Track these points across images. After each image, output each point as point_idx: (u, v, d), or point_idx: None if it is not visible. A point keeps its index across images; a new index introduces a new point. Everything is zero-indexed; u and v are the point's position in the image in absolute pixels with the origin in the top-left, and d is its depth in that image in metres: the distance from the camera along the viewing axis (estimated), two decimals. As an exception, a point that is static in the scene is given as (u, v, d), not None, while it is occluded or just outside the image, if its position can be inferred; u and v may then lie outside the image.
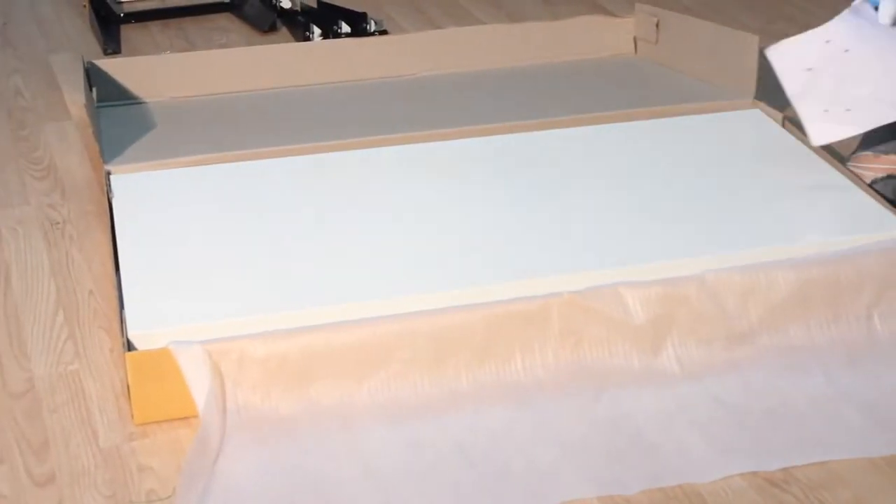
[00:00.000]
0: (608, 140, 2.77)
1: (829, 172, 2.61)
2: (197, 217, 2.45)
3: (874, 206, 2.47)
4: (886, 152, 2.58)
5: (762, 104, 2.86)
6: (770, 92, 2.90)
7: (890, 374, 2.15)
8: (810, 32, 2.56)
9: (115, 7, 3.71)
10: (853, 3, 2.58)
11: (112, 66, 3.04)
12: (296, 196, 2.52)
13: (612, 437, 2.01)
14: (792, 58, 2.57)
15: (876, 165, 2.58)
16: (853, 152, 2.66)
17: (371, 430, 2.03)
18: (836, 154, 2.71)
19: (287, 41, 3.51)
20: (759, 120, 2.86)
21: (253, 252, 2.34)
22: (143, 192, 2.52)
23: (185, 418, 2.05)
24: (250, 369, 2.05)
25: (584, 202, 2.50)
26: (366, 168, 2.62)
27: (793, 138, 2.76)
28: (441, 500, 1.88)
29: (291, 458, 1.98)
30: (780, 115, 2.82)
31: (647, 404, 2.08)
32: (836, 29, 2.53)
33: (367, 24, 3.52)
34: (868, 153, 2.62)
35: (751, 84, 2.87)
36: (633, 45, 3.25)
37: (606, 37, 3.25)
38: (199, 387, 2.02)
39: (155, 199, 2.50)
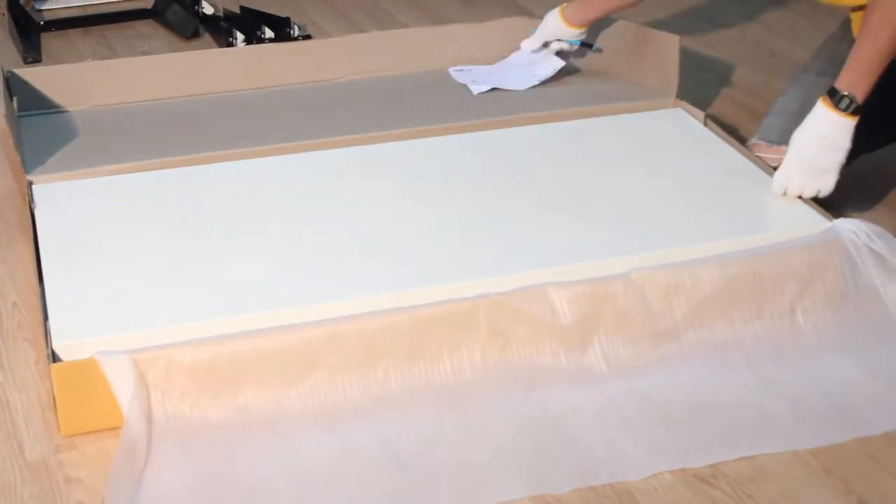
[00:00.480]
0: (533, 141, 2.78)
1: (750, 169, 2.64)
2: (121, 226, 2.43)
3: (795, 202, 2.50)
4: (779, 143, 2.63)
5: (684, 103, 2.88)
6: (692, 91, 2.94)
7: (814, 368, 2.18)
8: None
9: (34, 15, 3.69)
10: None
11: (32, 74, 3.01)
12: (219, 204, 2.51)
13: (543, 437, 2.02)
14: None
15: (768, 155, 2.64)
16: (747, 142, 2.75)
17: (301, 434, 2.03)
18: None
19: (210, 47, 3.50)
20: (681, 118, 2.88)
21: (178, 260, 2.33)
22: (65, 201, 2.50)
23: (114, 428, 2.03)
24: (178, 377, 2.04)
25: (510, 204, 2.51)
26: (290, 175, 2.62)
27: (714, 136, 2.79)
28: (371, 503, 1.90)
29: (221, 466, 1.97)
30: (701, 114, 2.84)
31: (576, 403, 2.09)
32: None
33: (290, 28, 3.53)
34: (762, 143, 2.70)
35: (673, 84, 2.89)
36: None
37: (527, 37, 3.26)
38: (126, 396, 2.01)
39: (78, 209, 2.48)
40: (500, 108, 2.94)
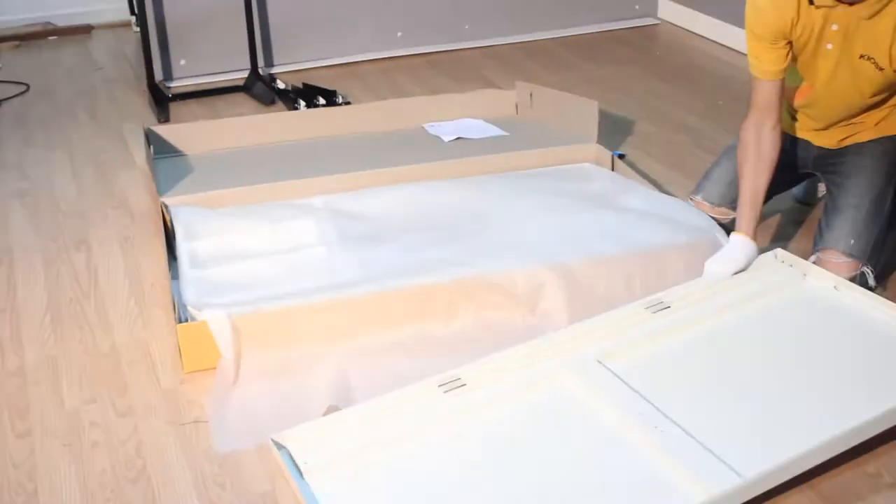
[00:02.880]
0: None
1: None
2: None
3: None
4: (719, 205, 2.43)
5: (599, 145, 2.88)
6: (605, 137, 2.95)
7: None
8: None
9: (165, 90, 3.70)
10: None
11: (164, 130, 3.03)
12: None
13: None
14: None
15: (713, 215, 2.42)
16: (690, 193, 2.51)
17: (346, 361, 2.05)
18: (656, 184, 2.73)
19: (282, 111, 3.51)
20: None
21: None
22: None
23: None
24: (260, 332, 2.06)
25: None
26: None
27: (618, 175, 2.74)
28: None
29: (284, 383, 2.00)
30: (609, 154, 2.83)
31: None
32: None
33: (336, 98, 3.53)
34: (705, 203, 2.45)
35: (593, 132, 2.90)
36: (514, 109, 3.27)
37: (497, 103, 3.27)
38: (225, 342, 2.03)
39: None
40: (473, 150, 2.93)
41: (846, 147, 2.35)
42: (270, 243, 2.38)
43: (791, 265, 2.19)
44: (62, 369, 2.10)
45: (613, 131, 3.23)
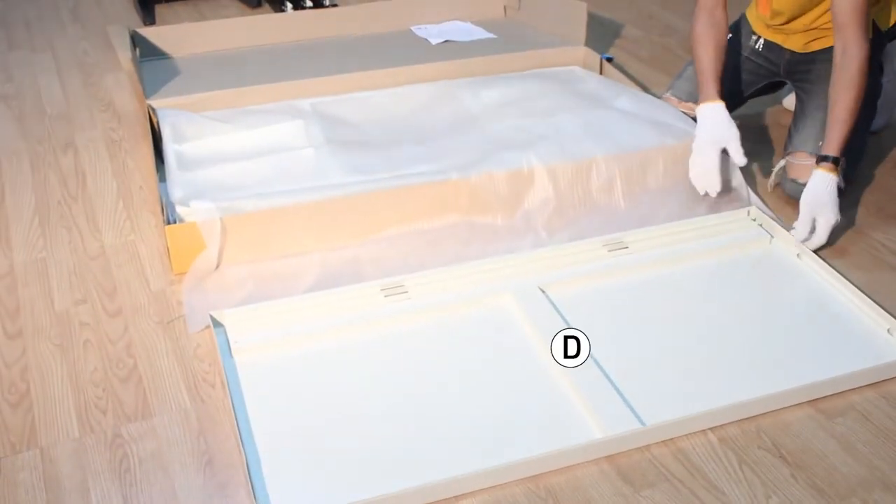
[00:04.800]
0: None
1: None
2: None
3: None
4: (686, 101, 2.46)
5: (588, 48, 2.84)
6: (594, 40, 2.91)
7: None
8: None
9: (150, -8, 3.63)
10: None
11: (149, 32, 2.97)
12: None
13: None
14: None
15: (678, 108, 2.45)
16: (662, 93, 2.56)
17: (327, 255, 2.07)
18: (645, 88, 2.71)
19: (269, 13, 3.45)
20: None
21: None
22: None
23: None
24: (245, 231, 2.05)
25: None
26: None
27: (605, 78, 2.70)
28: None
29: (265, 267, 2.03)
30: (597, 57, 2.80)
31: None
32: None
33: (323, 0, 3.46)
34: (673, 98, 2.50)
35: (581, 35, 2.85)
36: (503, 12, 3.22)
37: (485, 6, 3.21)
38: (209, 231, 2.03)
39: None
40: (464, 51, 2.88)
41: (814, 53, 2.34)
42: (258, 145, 2.35)
43: (761, 224, 2.15)
44: (52, 271, 2.09)
45: (602, 34, 3.18)
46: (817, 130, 2.23)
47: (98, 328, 1.92)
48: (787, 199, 2.26)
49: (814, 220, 2.07)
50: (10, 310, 1.98)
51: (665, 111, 2.42)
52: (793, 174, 2.24)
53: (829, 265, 2.01)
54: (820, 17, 2.28)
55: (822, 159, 2.09)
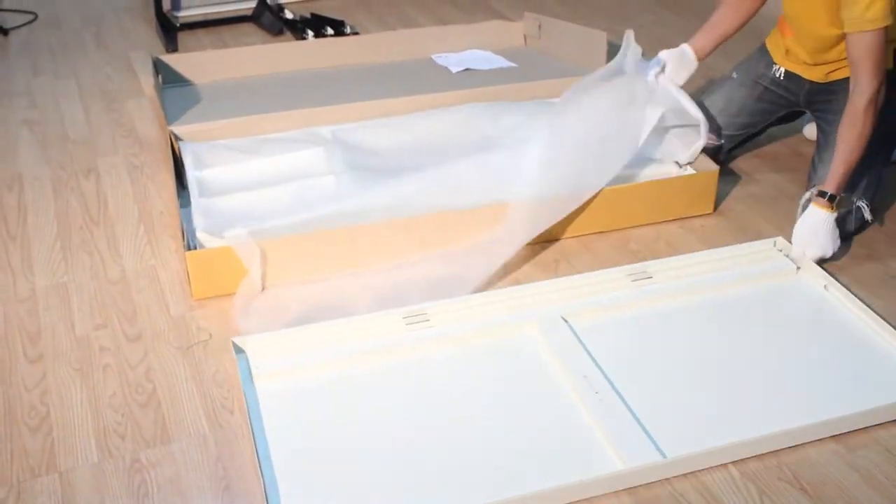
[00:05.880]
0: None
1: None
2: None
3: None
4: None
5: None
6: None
7: None
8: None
9: (173, 19, 3.65)
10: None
11: (172, 59, 2.99)
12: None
13: None
14: None
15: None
16: None
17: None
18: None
19: (290, 41, 3.47)
20: None
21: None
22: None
23: (227, 295, 2.06)
24: (283, 256, 2.06)
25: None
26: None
27: None
28: None
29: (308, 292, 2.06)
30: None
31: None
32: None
33: (344, 28, 3.48)
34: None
35: (601, 63, 2.83)
36: (523, 40, 3.23)
37: (506, 34, 3.22)
38: (253, 262, 2.04)
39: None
40: (483, 80, 2.88)
41: (834, 83, 2.33)
42: (279, 172, 2.35)
43: (787, 255, 2.13)
44: (73, 295, 2.10)
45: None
46: None
47: (118, 353, 1.92)
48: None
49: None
50: (31, 334, 1.98)
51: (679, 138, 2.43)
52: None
53: (857, 297, 1.99)
54: (839, 55, 2.28)
55: (820, 194, 2.09)
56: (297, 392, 1.78)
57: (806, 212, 2.11)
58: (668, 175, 2.35)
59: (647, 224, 2.30)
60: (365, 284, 2.06)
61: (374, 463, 1.63)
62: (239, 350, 1.85)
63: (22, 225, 2.36)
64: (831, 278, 2.05)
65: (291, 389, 1.79)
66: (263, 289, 2.05)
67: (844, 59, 2.26)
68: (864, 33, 2.08)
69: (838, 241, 2.12)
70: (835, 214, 2.09)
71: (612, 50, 2.88)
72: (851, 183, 2.17)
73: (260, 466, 1.59)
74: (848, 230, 2.22)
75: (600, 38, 2.87)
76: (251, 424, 1.68)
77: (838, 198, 2.09)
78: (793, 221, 2.28)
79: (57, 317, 2.03)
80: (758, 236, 2.24)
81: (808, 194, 2.21)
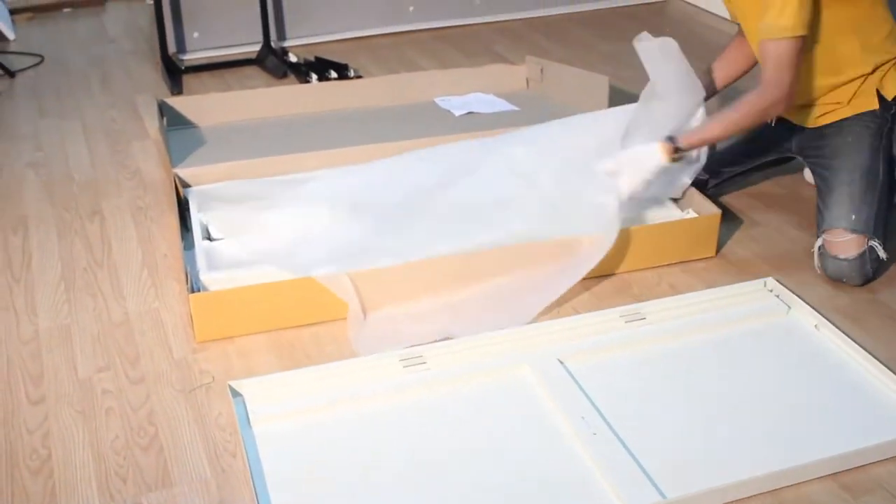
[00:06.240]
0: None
1: None
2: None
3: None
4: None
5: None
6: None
7: None
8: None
9: (178, 63, 3.69)
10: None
11: (177, 102, 3.02)
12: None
13: None
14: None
15: None
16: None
17: None
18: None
19: (294, 84, 3.50)
20: None
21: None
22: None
23: (230, 338, 2.06)
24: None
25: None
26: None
27: None
28: None
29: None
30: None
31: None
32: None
33: (348, 71, 3.52)
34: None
35: (604, 107, 2.85)
36: (525, 84, 3.26)
37: (508, 78, 3.25)
38: (350, 296, 2.08)
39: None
40: (485, 123, 2.91)
41: (825, 128, 2.34)
42: (283, 215, 2.36)
43: (778, 295, 2.14)
44: (75, 337, 2.10)
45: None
46: (848, 204, 2.21)
47: (120, 396, 1.92)
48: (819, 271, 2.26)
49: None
50: (33, 375, 1.99)
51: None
52: (833, 251, 2.20)
53: (848, 336, 2.00)
54: (815, 88, 2.28)
55: (668, 140, 2.22)
56: (295, 435, 1.78)
57: (647, 147, 2.22)
58: (670, 218, 2.36)
59: (649, 267, 2.31)
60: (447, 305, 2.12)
61: (373, 506, 1.63)
62: (236, 394, 1.86)
63: (26, 267, 2.37)
64: (822, 317, 2.06)
65: (289, 432, 1.79)
66: (365, 317, 2.08)
67: (830, 102, 2.29)
68: (773, 41, 2.11)
69: (648, 194, 2.27)
70: (669, 165, 2.22)
71: (614, 94, 2.91)
72: (861, 222, 2.18)
73: (261, 511, 1.59)
74: (867, 274, 2.21)
75: (602, 83, 2.89)
76: (249, 469, 1.68)
77: (681, 152, 2.22)
78: (794, 264, 2.29)
79: (60, 359, 2.04)
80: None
81: (819, 240, 2.23)
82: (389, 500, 1.64)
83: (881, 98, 2.26)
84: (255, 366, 1.99)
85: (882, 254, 2.18)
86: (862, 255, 2.18)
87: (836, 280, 2.21)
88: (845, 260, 2.18)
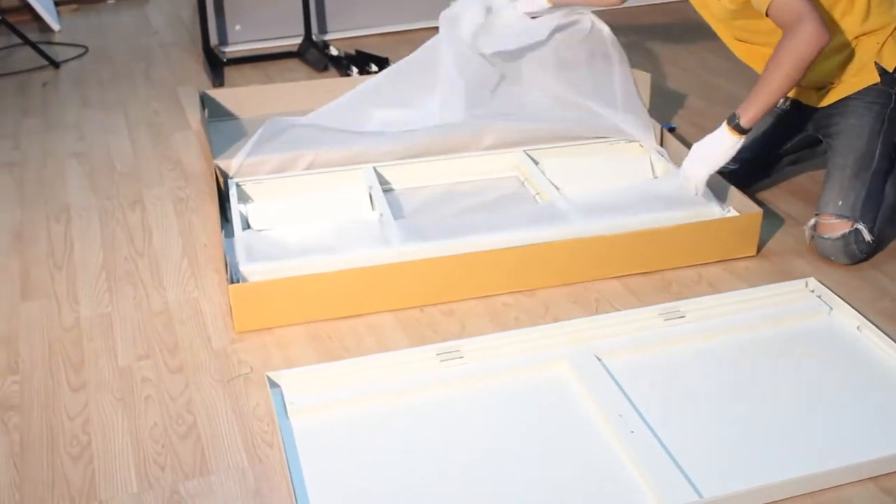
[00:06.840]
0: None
1: None
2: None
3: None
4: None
5: (651, 118, 2.82)
6: (656, 110, 2.91)
7: None
8: None
9: (220, 55, 3.71)
10: None
11: (218, 94, 3.04)
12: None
13: None
14: None
15: None
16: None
17: None
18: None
19: (335, 77, 3.51)
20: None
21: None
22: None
23: (269, 329, 2.08)
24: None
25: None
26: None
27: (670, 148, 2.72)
28: None
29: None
30: (658, 126, 2.78)
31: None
32: None
33: (388, 64, 3.51)
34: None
35: (645, 104, 2.84)
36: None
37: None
38: None
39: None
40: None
41: (833, 106, 2.36)
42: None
43: (819, 296, 2.12)
44: (116, 326, 2.12)
45: (665, 104, 3.19)
46: (837, 189, 2.26)
47: (159, 384, 1.94)
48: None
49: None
50: (74, 363, 2.01)
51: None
52: (819, 230, 2.28)
53: (891, 338, 1.97)
54: (826, 71, 2.30)
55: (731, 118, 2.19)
56: (332, 426, 1.79)
57: (715, 135, 2.22)
58: (710, 216, 2.34)
59: (689, 265, 2.30)
60: None
61: (408, 500, 1.63)
62: (274, 384, 1.87)
63: (68, 255, 2.40)
64: (864, 319, 2.03)
65: (326, 424, 1.79)
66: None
67: (830, 79, 2.31)
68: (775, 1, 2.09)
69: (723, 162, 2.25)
70: (738, 139, 2.19)
71: (656, 91, 2.89)
72: (847, 207, 2.22)
73: (296, 502, 1.60)
74: (853, 254, 2.25)
75: (644, 79, 2.87)
76: (287, 460, 1.69)
77: (743, 127, 2.18)
78: (836, 265, 2.27)
79: (100, 347, 2.06)
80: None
81: (812, 220, 2.30)
82: (424, 494, 1.64)
83: (882, 71, 2.27)
84: (293, 357, 2.00)
85: (867, 236, 2.22)
86: (845, 237, 2.22)
87: (824, 258, 2.29)
88: (829, 239, 2.25)
